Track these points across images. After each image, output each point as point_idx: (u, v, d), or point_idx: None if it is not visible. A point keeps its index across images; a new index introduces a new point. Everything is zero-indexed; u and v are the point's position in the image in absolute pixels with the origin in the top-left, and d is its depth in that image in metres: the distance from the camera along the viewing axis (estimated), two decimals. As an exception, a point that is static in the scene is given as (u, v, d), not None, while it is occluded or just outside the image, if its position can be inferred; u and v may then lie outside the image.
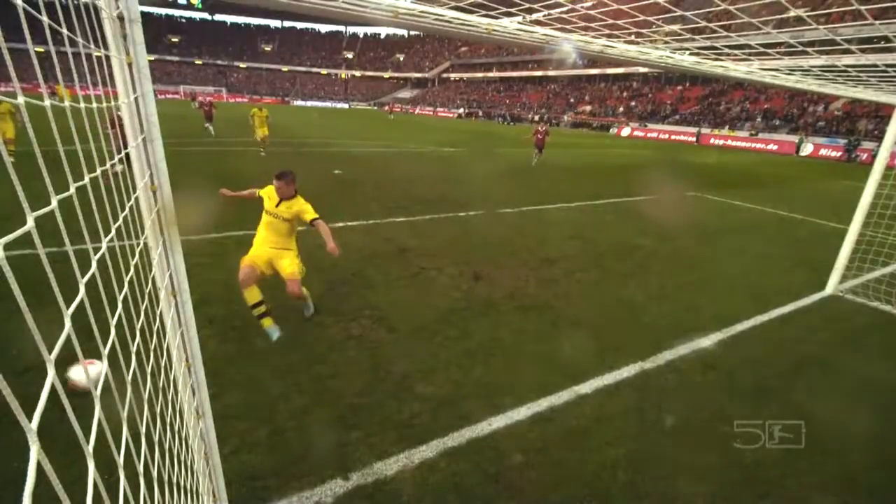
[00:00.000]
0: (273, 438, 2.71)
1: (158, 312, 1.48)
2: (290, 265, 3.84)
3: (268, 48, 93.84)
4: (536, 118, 56.68)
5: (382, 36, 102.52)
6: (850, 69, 3.65)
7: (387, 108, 66.34)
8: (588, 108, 56.50)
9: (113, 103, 1.17)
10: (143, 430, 1.10)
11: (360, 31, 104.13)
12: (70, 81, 0.94)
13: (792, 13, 2.61)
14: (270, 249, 3.89)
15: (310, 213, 3.85)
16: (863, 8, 2.40)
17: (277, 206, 3.84)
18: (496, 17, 2.67)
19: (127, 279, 1.09)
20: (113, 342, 0.92)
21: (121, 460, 0.89)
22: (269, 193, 3.93)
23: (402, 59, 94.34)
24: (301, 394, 3.12)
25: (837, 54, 3.43)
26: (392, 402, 3.12)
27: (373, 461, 2.61)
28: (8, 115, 9.76)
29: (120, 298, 1.01)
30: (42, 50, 0.88)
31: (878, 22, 2.54)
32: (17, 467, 2.34)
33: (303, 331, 3.96)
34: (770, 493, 2.62)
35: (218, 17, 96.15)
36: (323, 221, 3.82)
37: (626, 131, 45.61)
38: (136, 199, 1.32)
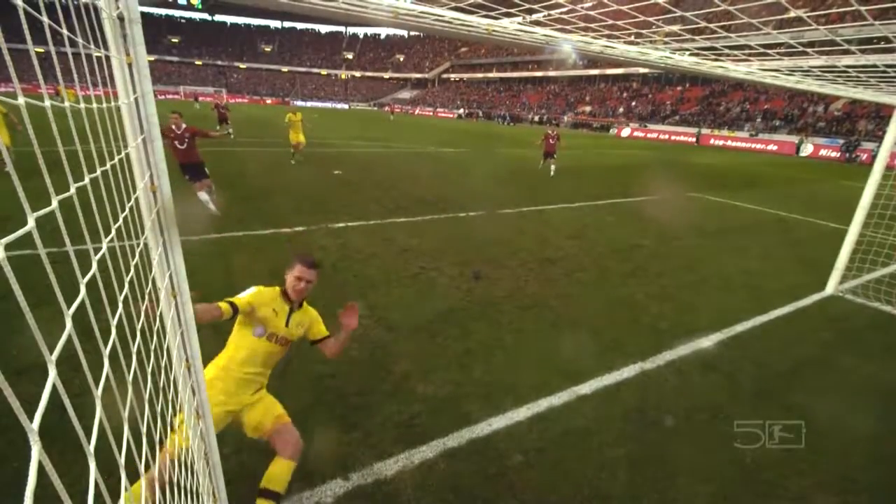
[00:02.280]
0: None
1: (158, 313, 1.48)
2: (274, 403, 2.36)
3: (268, 49, 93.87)
4: (536, 119, 56.61)
5: (382, 36, 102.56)
6: (850, 70, 3.66)
7: (387, 108, 66.37)
8: (588, 108, 56.50)
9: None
10: (143, 429, 1.10)
11: (360, 31, 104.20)
12: (70, 82, 0.94)
13: (792, 13, 2.61)
14: (247, 398, 2.31)
15: (322, 328, 2.51)
16: (863, 9, 2.40)
17: (288, 323, 2.35)
18: (496, 18, 2.67)
19: (127, 279, 1.09)
20: (113, 342, 0.92)
21: (122, 460, 0.89)
22: (270, 302, 2.32)
23: (402, 59, 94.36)
24: (301, 394, 3.12)
25: (837, 55, 3.44)
26: (392, 402, 3.12)
27: (373, 461, 2.61)
28: (2, 117, 8.90)
29: (120, 298, 1.01)
30: (42, 50, 0.88)
31: (877, 22, 2.54)
32: (16, 468, 2.34)
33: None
34: (770, 493, 2.62)
35: (218, 17, 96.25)
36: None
37: (626, 132, 45.60)
38: (136, 199, 1.32)
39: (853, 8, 2.24)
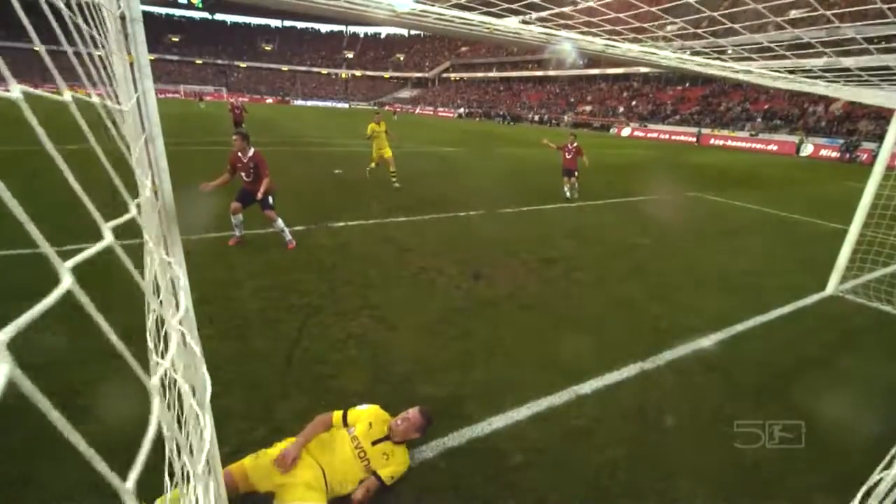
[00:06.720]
0: (273, 438, 2.70)
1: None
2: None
3: (268, 47, 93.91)
4: (536, 118, 56.51)
5: (382, 36, 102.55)
6: (854, 71, 3.64)
7: (388, 107, 66.45)
8: (588, 108, 56.46)
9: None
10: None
11: (361, 30, 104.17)
12: (75, 81, 0.93)
13: (793, 14, 2.60)
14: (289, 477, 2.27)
15: (388, 473, 2.39)
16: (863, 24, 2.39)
17: (375, 444, 2.42)
18: (498, 16, 2.67)
19: (142, 279, 1.09)
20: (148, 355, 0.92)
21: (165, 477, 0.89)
22: (371, 419, 2.52)
23: (402, 58, 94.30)
24: (301, 394, 3.12)
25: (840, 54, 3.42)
26: (392, 402, 3.12)
27: (373, 461, 2.61)
28: None
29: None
30: (41, 49, 0.87)
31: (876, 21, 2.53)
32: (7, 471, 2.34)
33: (304, 331, 3.96)
34: (770, 493, 2.62)
35: (218, 16, 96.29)
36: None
37: (626, 131, 45.58)
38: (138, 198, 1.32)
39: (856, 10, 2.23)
